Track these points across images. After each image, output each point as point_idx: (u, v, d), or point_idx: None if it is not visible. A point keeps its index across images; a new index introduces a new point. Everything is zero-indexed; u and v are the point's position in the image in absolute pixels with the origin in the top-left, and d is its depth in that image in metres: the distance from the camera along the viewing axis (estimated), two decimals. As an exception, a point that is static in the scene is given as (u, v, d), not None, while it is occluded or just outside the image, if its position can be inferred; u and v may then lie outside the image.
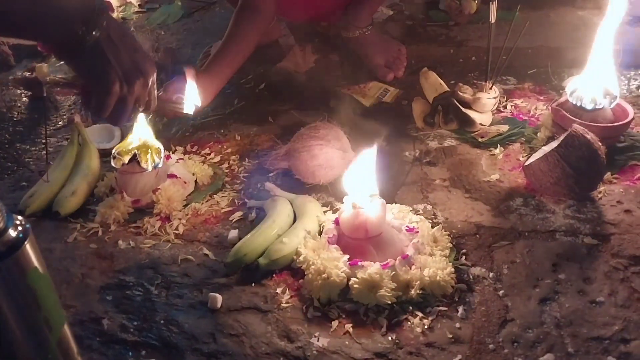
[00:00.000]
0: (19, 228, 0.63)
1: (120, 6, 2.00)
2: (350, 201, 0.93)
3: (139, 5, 2.02)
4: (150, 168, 1.10)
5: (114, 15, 1.95)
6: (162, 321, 0.89)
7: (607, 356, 0.78)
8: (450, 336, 0.83)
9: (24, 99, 1.57)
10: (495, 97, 1.29)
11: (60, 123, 1.44)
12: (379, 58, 1.51)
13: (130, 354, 0.85)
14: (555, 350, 0.80)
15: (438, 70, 1.37)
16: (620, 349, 0.79)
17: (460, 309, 0.87)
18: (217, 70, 1.29)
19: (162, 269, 0.98)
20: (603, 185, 1.08)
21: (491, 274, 0.93)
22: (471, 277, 0.93)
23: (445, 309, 0.87)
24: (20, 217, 0.65)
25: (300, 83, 1.53)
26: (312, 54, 1.58)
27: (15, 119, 1.48)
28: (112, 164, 1.11)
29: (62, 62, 1.62)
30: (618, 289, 0.88)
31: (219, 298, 0.91)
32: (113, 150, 1.11)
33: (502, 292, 0.90)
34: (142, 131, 1.13)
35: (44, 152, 1.28)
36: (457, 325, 0.85)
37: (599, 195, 1.06)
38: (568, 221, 1.01)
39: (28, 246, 0.64)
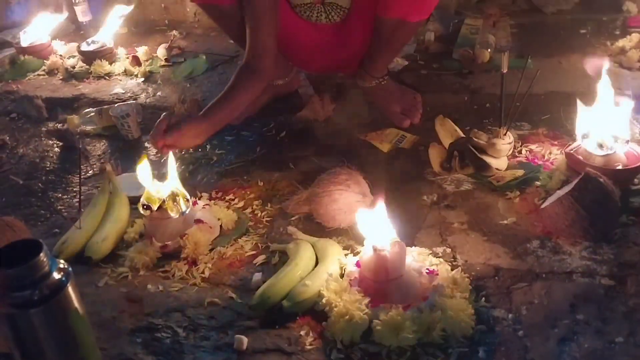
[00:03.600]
0: (62, 271, 0.68)
1: (147, 60, 2.09)
2: (371, 244, 0.96)
3: (165, 59, 2.11)
4: (177, 214, 1.14)
5: (142, 68, 2.04)
6: (189, 363, 0.92)
7: (627, 396, 0.79)
8: (472, 377, 0.85)
9: (56, 149, 1.64)
10: (509, 143, 1.32)
11: (90, 172, 1.50)
12: (395, 106, 1.56)
13: (159, 394, 0.87)
14: (576, 391, 0.81)
15: (453, 117, 1.42)
16: (641, 389, 0.80)
17: (481, 350, 0.89)
18: (213, 117, 1.37)
19: (189, 312, 1.02)
20: (619, 227, 1.10)
21: (510, 315, 0.94)
22: (491, 318, 0.94)
23: (467, 350, 0.89)
24: (62, 261, 0.70)
25: (320, 131, 1.58)
26: (330, 103, 1.64)
27: (47, 169, 1.54)
28: (141, 211, 1.16)
29: (92, 115, 1.69)
30: (636, 329, 0.89)
31: (244, 340, 0.94)
32: (142, 199, 1.16)
33: (521, 332, 0.91)
34: (169, 180, 1.18)
35: (76, 200, 1.34)
36: (478, 365, 0.87)
37: (615, 237, 1.08)
38: (585, 262, 1.03)
39: (70, 289, 0.68)
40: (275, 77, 1.60)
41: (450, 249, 1.10)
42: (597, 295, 0.96)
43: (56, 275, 0.67)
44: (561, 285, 0.99)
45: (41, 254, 0.65)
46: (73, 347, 0.70)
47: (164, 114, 1.32)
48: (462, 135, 1.36)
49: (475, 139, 1.32)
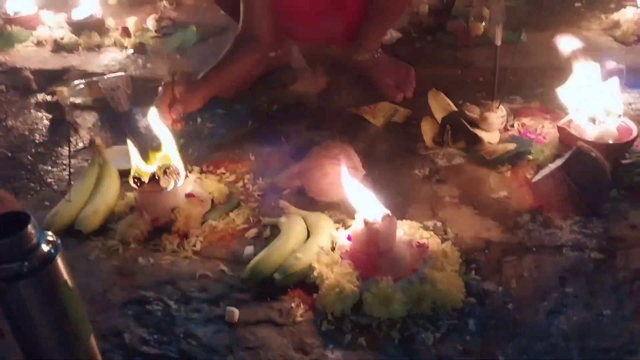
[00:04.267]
0: (51, 243, 0.67)
1: (136, 31, 2.06)
2: (362, 217, 0.96)
3: (155, 30, 2.08)
4: (169, 188, 1.14)
5: (132, 40, 2.01)
6: (181, 335, 0.92)
7: (614, 367, 0.81)
8: (461, 349, 0.86)
9: (45, 121, 1.63)
10: (502, 116, 1.32)
11: (80, 145, 1.49)
12: (388, 79, 1.55)
13: (151, 366, 0.88)
14: (563, 362, 0.82)
15: (446, 91, 1.41)
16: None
17: (471, 322, 0.90)
18: (211, 81, 1.38)
19: (181, 285, 1.02)
20: (609, 201, 1.10)
21: (500, 288, 0.95)
22: (481, 291, 0.95)
23: (456, 322, 0.90)
24: (50, 233, 0.69)
25: (312, 104, 1.57)
26: (323, 76, 1.62)
27: (37, 141, 1.53)
28: (131, 184, 1.15)
29: (81, 87, 1.67)
30: (624, 302, 0.90)
31: (236, 312, 0.94)
32: (132, 172, 1.15)
33: (511, 305, 0.92)
34: (161, 152, 1.17)
35: (66, 172, 1.33)
36: (468, 338, 0.87)
37: (605, 211, 1.08)
38: (575, 236, 1.04)
39: (59, 260, 0.68)
40: (271, 46, 1.57)
41: (441, 223, 1.11)
42: (587, 268, 0.97)
43: (45, 247, 0.66)
44: (551, 258, 1.00)
45: (29, 226, 0.65)
46: (63, 320, 0.70)
47: (160, 87, 1.32)
48: (455, 109, 1.35)
49: (467, 113, 1.31)
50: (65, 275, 0.68)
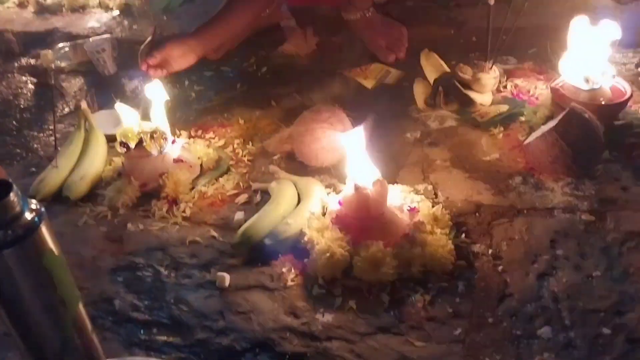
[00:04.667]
0: (35, 212, 0.66)
1: (122, -9, 2.01)
2: (353, 182, 0.95)
3: (141, -10, 2.02)
4: (156, 152, 1.12)
5: (117, 1, 1.95)
6: (172, 300, 0.92)
7: (602, 328, 0.81)
8: (451, 311, 0.86)
9: (30, 86, 1.59)
10: (495, 77, 1.30)
11: (66, 110, 1.46)
12: (380, 40, 1.52)
13: (141, 332, 0.88)
14: (552, 323, 0.83)
15: (439, 51, 1.38)
16: (615, 320, 0.82)
17: (460, 285, 0.90)
18: (202, 35, 1.35)
19: (171, 251, 1.01)
20: (601, 163, 1.09)
21: (490, 251, 0.95)
22: (471, 254, 0.95)
23: (446, 284, 0.90)
24: (34, 201, 0.68)
25: (302, 66, 1.54)
26: (313, 36, 1.59)
27: (21, 106, 1.50)
28: (118, 149, 1.13)
29: (66, 50, 1.63)
30: (614, 263, 0.91)
31: (227, 277, 0.94)
32: (118, 136, 1.14)
33: (501, 268, 0.92)
34: (148, 116, 1.15)
35: (52, 138, 1.30)
36: (457, 300, 0.88)
37: (597, 173, 1.08)
38: (566, 198, 1.03)
39: (43, 229, 0.66)
40: (266, 2, 1.53)
41: (432, 186, 1.10)
42: (577, 230, 0.97)
43: (28, 216, 0.65)
44: (542, 221, 1.00)
45: (11, 194, 0.63)
46: (50, 288, 0.69)
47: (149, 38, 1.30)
48: (448, 70, 1.33)
49: (460, 74, 1.29)
50: (50, 243, 0.67)
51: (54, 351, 0.71)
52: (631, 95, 1.15)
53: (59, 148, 1.24)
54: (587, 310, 0.84)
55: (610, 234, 0.96)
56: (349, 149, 0.98)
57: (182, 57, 1.34)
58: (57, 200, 1.13)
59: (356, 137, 0.98)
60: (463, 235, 0.98)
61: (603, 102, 1.15)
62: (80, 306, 0.75)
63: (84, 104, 1.28)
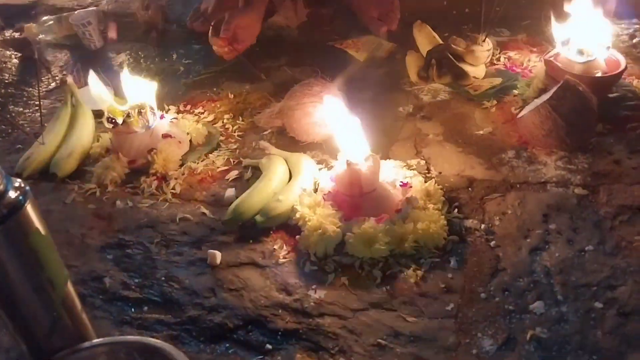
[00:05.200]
0: (19, 190, 0.64)
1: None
2: (345, 158, 0.94)
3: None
4: (144, 128, 1.10)
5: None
6: (162, 278, 0.91)
7: (594, 302, 0.81)
8: (443, 286, 0.86)
9: (14, 60, 1.56)
10: (488, 50, 1.28)
11: (52, 84, 1.43)
12: (372, 11, 1.49)
13: (132, 310, 0.87)
14: (544, 298, 0.83)
15: (432, 23, 1.36)
16: (607, 294, 0.82)
17: (453, 260, 0.90)
18: (257, 3, 1.31)
19: (161, 228, 1.00)
20: (594, 136, 1.09)
21: (483, 226, 0.95)
22: (463, 229, 0.95)
23: (438, 260, 0.90)
24: (19, 180, 0.66)
25: (293, 38, 1.51)
26: (303, 8, 1.56)
27: (6, 81, 1.47)
28: (106, 125, 1.11)
29: (51, 23, 1.59)
30: (606, 237, 0.90)
31: (218, 254, 0.93)
32: (106, 112, 1.11)
33: (493, 242, 0.92)
34: (134, 91, 1.13)
35: (38, 114, 1.28)
36: (450, 275, 0.87)
37: (590, 146, 1.07)
38: (559, 172, 1.03)
39: (29, 208, 0.65)
40: None
41: (424, 161, 1.09)
42: (570, 204, 0.97)
43: (12, 195, 0.63)
44: (535, 195, 0.99)
45: (-6, 173, 0.62)
46: (38, 268, 0.68)
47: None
48: (441, 42, 1.31)
49: (453, 46, 1.27)
50: (36, 222, 0.66)
51: (43, 331, 0.71)
52: (625, 67, 1.14)
53: (45, 124, 1.21)
54: (580, 284, 0.84)
55: (603, 208, 0.95)
56: (332, 120, 0.97)
57: (250, 28, 1.29)
58: (45, 178, 1.11)
59: (334, 106, 0.96)
60: (456, 210, 0.98)
61: (598, 74, 1.13)
62: (69, 285, 0.74)
63: (69, 79, 1.25)
